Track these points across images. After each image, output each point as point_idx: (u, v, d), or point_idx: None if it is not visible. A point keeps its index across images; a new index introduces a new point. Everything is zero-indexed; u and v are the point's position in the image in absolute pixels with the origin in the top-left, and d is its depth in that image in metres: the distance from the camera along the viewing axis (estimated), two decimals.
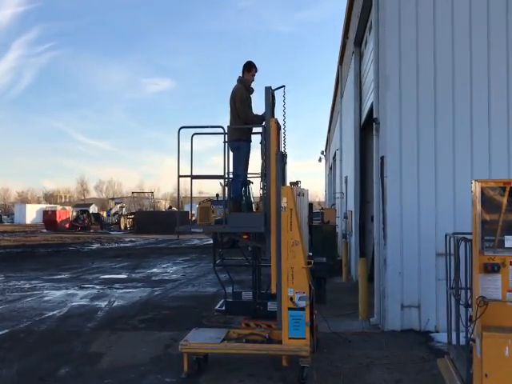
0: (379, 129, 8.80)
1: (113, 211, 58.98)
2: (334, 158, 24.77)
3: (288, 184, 7.13)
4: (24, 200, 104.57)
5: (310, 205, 9.15)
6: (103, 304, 11.45)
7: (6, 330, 8.99)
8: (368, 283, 9.48)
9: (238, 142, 7.36)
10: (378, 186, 8.89)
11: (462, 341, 5.69)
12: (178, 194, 7.45)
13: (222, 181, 7.10)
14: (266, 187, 6.83)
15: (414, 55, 8.61)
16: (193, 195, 7.20)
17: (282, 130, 7.21)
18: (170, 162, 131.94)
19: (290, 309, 6.31)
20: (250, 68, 7.70)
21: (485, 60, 8.48)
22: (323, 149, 40.22)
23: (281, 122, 7.12)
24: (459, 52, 8.53)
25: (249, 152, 7.55)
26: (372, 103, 9.69)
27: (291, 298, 6.29)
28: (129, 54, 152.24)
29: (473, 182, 5.15)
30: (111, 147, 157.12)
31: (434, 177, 8.51)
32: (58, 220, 52.44)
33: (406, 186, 8.55)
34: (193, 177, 6.94)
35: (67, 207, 62.77)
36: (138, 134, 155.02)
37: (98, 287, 13.96)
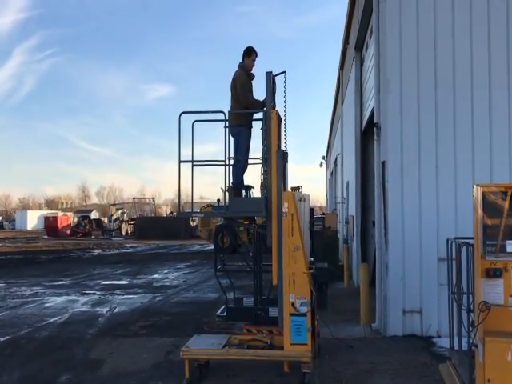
0: (380, 133, 8.80)
1: (114, 217, 58.93)
2: (335, 162, 24.76)
3: (289, 188, 7.12)
4: (25, 206, 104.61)
5: (311, 210, 9.12)
6: (104, 310, 11.42)
7: (7, 337, 8.97)
8: (370, 288, 9.45)
9: (238, 127, 7.32)
10: (379, 191, 8.88)
11: (465, 346, 5.68)
12: (179, 181, 7.27)
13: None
14: (266, 172, 6.78)
15: (414, 60, 8.62)
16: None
17: (283, 121, 7.22)
18: (170, 168, 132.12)
19: (291, 314, 6.29)
20: (250, 53, 7.68)
21: (486, 64, 8.48)
22: (324, 154, 40.26)
23: (281, 109, 7.14)
24: (460, 56, 8.53)
25: (249, 137, 7.51)
26: (373, 108, 9.70)
27: (293, 304, 6.27)
28: (129, 60, 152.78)
29: (474, 186, 5.14)
30: (112, 153, 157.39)
31: (435, 181, 8.50)
32: (59, 226, 52.40)
33: (407, 190, 8.54)
34: (194, 161, 6.94)
35: (68, 213, 62.76)
36: (138, 140, 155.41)
37: (99, 293, 13.93)
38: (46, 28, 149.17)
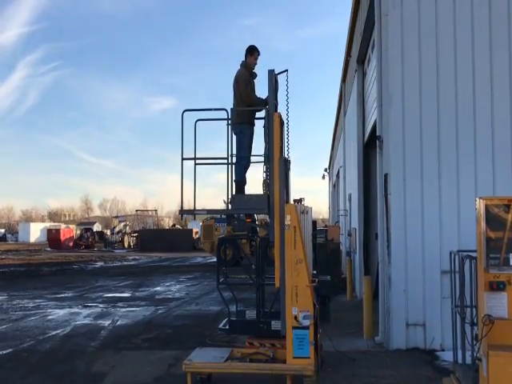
0: (382, 146, 8.81)
1: (116, 229, 58.95)
2: (338, 175, 24.78)
3: (292, 200, 7.12)
4: (28, 218, 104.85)
5: (314, 222, 9.13)
6: (106, 323, 11.40)
7: (10, 350, 8.95)
8: (372, 301, 9.42)
9: (240, 125, 7.34)
10: (382, 204, 8.87)
11: (468, 359, 5.65)
12: (182, 176, 7.28)
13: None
14: (268, 171, 6.80)
15: (416, 73, 8.65)
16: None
17: (285, 121, 7.21)
18: (173, 180, 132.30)
19: (294, 328, 6.27)
20: (252, 52, 7.72)
21: (488, 77, 8.51)
22: (326, 166, 40.31)
23: (283, 108, 7.16)
24: (462, 69, 8.56)
25: (252, 135, 7.54)
26: (375, 121, 9.72)
27: (295, 317, 6.25)
28: (132, 73, 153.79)
29: (477, 199, 5.14)
30: (115, 165, 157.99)
31: (438, 194, 8.49)
32: (62, 238, 52.47)
33: (410, 203, 8.54)
34: (196, 159, 7.00)
35: (71, 226, 62.83)
36: (141, 152, 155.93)
37: (101, 306, 13.91)
38: (49, 42, 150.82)
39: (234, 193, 7.03)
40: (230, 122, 6.94)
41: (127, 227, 60.42)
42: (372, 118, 11.47)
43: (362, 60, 13.80)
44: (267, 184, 6.82)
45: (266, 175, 6.93)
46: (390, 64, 8.74)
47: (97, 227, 76.14)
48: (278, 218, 6.48)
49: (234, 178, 7.10)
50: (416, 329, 8.40)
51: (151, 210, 73.59)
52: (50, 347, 9.13)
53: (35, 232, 77.73)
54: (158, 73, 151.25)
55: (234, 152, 7.04)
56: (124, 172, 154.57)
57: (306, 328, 6.25)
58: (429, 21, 8.66)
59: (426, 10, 8.68)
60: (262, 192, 6.99)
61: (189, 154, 7.05)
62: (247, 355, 6.89)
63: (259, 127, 7.45)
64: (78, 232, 56.95)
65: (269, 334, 7.28)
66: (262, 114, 7.36)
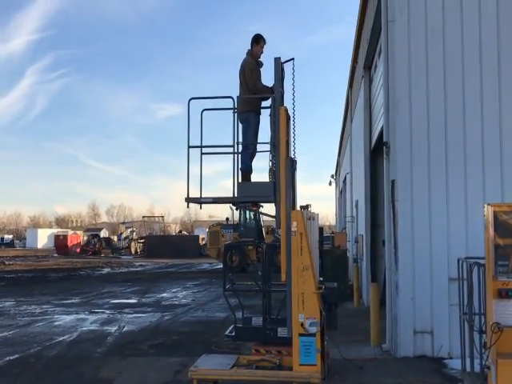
0: (389, 152, 8.79)
1: (123, 235, 59.12)
2: (345, 181, 24.74)
3: (298, 207, 7.10)
4: (36, 225, 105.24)
5: (321, 229, 9.10)
6: (113, 329, 11.39)
7: (17, 355, 8.96)
8: (380, 308, 9.37)
9: (246, 113, 7.34)
10: (389, 210, 8.84)
11: (477, 368, 5.59)
12: (188, 164, 7.29)
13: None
14: (275, 158, 6.81)
15: (423, 79, 8.63)
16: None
17: (291, 110, 7.21)
18: (179, 186, 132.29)
19: (300, 335, 6.24)
20: (258, 40, 7.74)
21: (496, 83, 8.47)
22: (333, 172, 40.26)
23: (289, 103, 7.13)
24: (469, 75, 8.54)
25: (258, 123, 7.52)
26: (382, 127, 9.70)
27: (302, 324, 6.22)
28: (139, 80, 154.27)
29: (485, 205, 5.11)
30: (122, 172, 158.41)
31: (446, 200, 8.45)
32: (69, 244, 52.65)
33: (418, 209, 8.50)
34: (203, 147, 7.06)
35: (78, 232, 63.02)
36: (148, 159, 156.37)
37: (108, 312, 13.91)
38: (57, 49, 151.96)
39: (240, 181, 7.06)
40: (236, 110, 6.95)
41: (134, 233, 60.57)
42: (379, 124, 11.45)
43: (368, 66, 13.80)
44: (273, 172, 6.82)
45: (272, 163, 6.92)
46: (397, 70, 8.72)
47: (104, 233, 76.32)
48: (285, 225, 6.46)
49: (239, 167, 7.11)
50: (424, 336, 8.34)
51: (158, 216, 73.77)
52: (57, 353, 9.13)
53: (43, 238, 78.03)
54: (163, 79, 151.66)
55: (241, 140, 7.08)
56: (131, 178, 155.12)
57: (313, 335, 6.21)
58: (435, 26, 8.65)
59: (432, 15, 8.66)
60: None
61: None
62: (253, 362, 6.86)
63: (266, 116, 7.46)
64: (85, 238, 57.10)
65: (275, 340, 7.26)
66: (268, 103, 7.35)
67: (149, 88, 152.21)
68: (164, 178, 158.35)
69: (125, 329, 11.45)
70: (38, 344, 9.83)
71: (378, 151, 12.76)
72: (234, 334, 7.70)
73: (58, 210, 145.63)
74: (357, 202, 17.07)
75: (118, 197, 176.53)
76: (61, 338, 10.36)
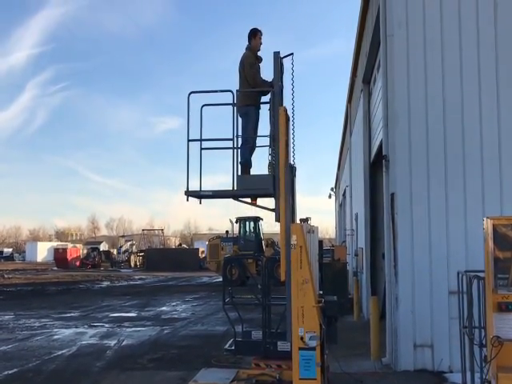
0: (389, 166, 8.81)
1: (123, 249, 58.99)
2: (344, 194, 24.76)
3: (298, 220, 7.10)
4: (35, 238, 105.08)
5: (321, 242, 9.09)
6: (112, 343, 11.34)
7: (15, 370, 8.92)
8: (380, 322, 9.33)
9: (246, 107, 7.35)
10: (389, 223, 8.84)
11: (477, 382, 5.56)
12: (188, 158, 7.28)
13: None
14: (274, 152, 6.82)
15: (422, 93, 8.68)
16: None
17: (290, 112, 7.21)
18: (179, 199, 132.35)
19: (300, 349, 6.21)
20: (255, 33, 7.75)
21: (494, 96, 8.52)
22: (333, 185, 40.30)
23: (289, 92, 7.11)
24: (468, 89, 8.58)
25: (257, 117, 7.53)
26: (381, 140, 9.73)
27: (302, 338, 6.19)
28: (138, 94, 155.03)
29: (485, 219, 5.11)
30: (122, 185, 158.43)
31: (445, 213, 8.46)
32: (69, 258, 52.50)
33: (417, 222, 8.50)
34: (202, 140, 7.08)
35: (78, 245, 62.89)
36: (147, 172, 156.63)
37: (107, 326, 13.86)
38: (57, 63, 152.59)
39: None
40: (235, 104, 6.98)
41: (134, 247, 60.45)
42: (378, 137, 11.49)
43: (367, 80, 13.87)
44: (273, 166, 6.83)
45: (272, 157, 6.93)
46: (396, 84, 8.77)
47: (103, 246, 76.14)
48: (284, 238, 6.46)
49: (239, 161, 7.12)
50: (424, 350, 8.31)
51: (157, 230, 73.73)
52: (56, 367, 9.09)
53: (42, 251, 77.85)
54: (163, 92, 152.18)
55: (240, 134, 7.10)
56: (131, 191, 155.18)
57: (313, 349, 6.18)
58: (434, 40, 8.71)
59: (431, 29, 8.73)
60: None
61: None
62: (253, 376, 6.82)
63: (265, 111, 7.45)
64: (85, 251, 56.95)
65: (275, 354, 7.22)
66: (267, 98, 7.36)
67: (148, 101, 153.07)
68: (164, 191, 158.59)
69: (124, 343, 11.40)
70: (36, 358, 9.79)
71: (377, 164, 12.78)
72: (233, 347, 7.66)
73: (57, 224, 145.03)
74: (356, 215, 17.07)
75: (118, 210, 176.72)
76: (60, 352, 10.32)
